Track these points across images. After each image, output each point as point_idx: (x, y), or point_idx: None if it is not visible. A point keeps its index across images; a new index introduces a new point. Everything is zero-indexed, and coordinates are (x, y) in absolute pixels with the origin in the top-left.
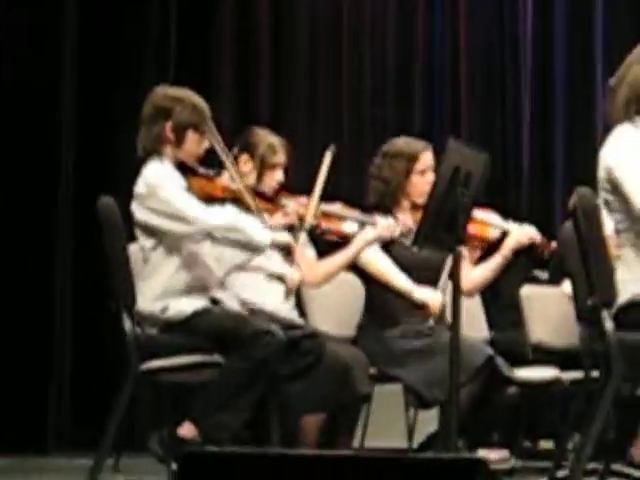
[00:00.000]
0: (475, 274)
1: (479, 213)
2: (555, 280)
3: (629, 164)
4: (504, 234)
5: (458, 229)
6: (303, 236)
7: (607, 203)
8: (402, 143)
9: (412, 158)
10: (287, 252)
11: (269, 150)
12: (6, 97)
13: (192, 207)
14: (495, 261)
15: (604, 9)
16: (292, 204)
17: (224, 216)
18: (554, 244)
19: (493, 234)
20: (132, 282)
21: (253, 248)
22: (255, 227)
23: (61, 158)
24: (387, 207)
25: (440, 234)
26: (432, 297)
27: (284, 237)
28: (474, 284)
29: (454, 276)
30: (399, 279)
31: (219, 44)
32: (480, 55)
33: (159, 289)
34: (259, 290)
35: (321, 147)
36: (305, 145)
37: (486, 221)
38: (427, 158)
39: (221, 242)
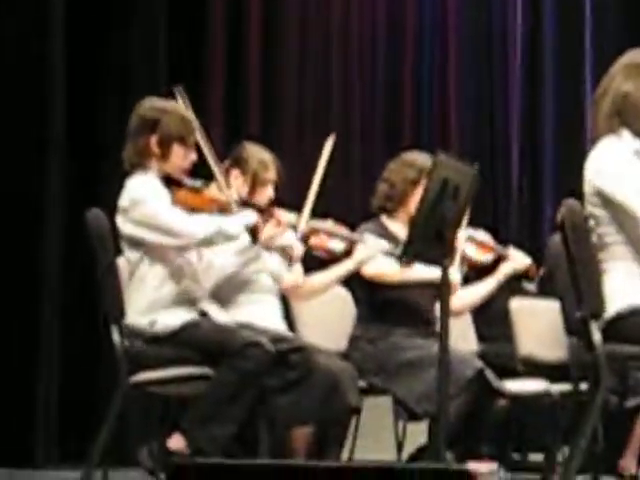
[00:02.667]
0: (466, 295)
1: (476, 234)
2: (544, 292)
3: (616, 177)
4: (500, 257)
5: (446, 242)
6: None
7: (593, 217)
8: (420, 155)
9: (424, 170)
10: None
11: (261, 166)
12: None
13: (177, 220)
14: (488, 285)
15: (593, 15)
16: (284, 215)
17: (205, 225)
18: (542, 270)
19: (489, 259)
20: (120, 295)
21: (232, 239)
22: (227, 221)
23: (50, 171)
24: (387, 211)
25: (428, 247)
26: (453, 277)
27: (252, 216)
28: (465, 304)
29: (442, 289)
30: (416, 273)
31: (210, 60)
32: (469, 69)
33: (146, 302)
34: (253, 307)
35: (309, 164)
36: (294, 162)
37: (484, 245)
38: None
39: (209, 246)
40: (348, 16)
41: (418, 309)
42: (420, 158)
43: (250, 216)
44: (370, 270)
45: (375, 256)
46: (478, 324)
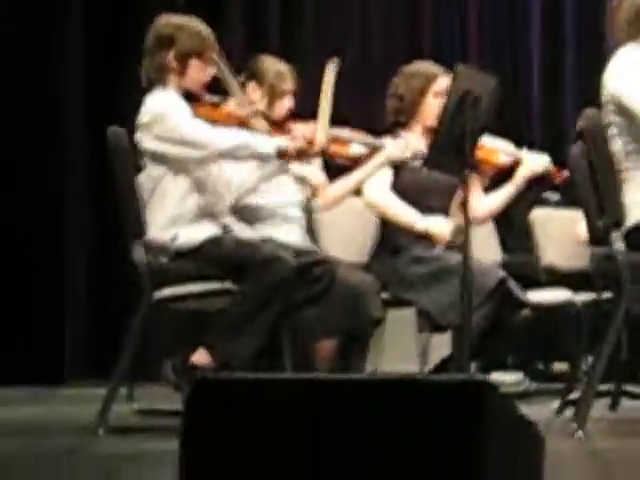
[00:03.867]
0: (487, 202)
1: (491, 140)
2: (566, 202)
3: (634, 85)
4: (517, 162)
5: (467, 153)
6: (314, 158)
7: (613, 125)
8: (423, 64)
9: (429, 78)
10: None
11: (277, 78)
12: (10, 30)
13: (200, 131)
14: (508, 190)
15: None
16: (301, 128)
17: (230, 136)
18: (566, 172)
19: (505, 161)
20: (142, 211)
21: (262, 159)
22: (259, 140)
23: (72, 90)
24: (401, 125)
25: (449, 158)
26: (435, 225)
27: (288, 143)
28: (486, 212)
29: (464, 200)
30: (400, 213)
31: None
32: None
33: (168, 217)
34: (275, 228)
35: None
36: (314, 71)
37: (498, 148)
38: (445, 82)
39: (231, 160)
40: None
41: (435, 213)
42: (422, 66)
43: (284, 140)
44: (368, 195)
45: (403, 155)
46: (501, 234)
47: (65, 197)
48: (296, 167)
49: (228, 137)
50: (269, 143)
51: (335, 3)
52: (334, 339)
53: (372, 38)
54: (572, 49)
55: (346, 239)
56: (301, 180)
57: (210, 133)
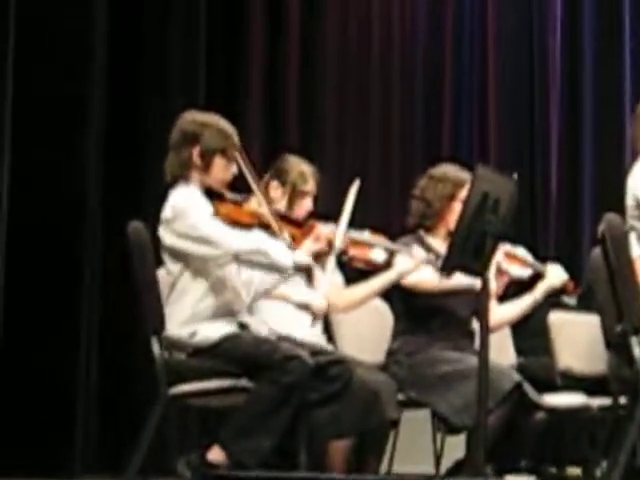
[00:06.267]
0: (503, 312)
1: (513, 248)
2: (583, 306)
3: None
4: (537, 275)
5: (485, 256)
6: (332, 261)
7: (635, 229)
8: (450, 169)
9: (458, 184)
10: (308, 276)
11: (300, 178)
12: (34, 113)
13: (218, 231)
14: (525, 302)
15: (632, 27)
16: (323, 229)
17: (249, 240)
18: (579, 289)
19: (527, 274)
20: (161, 307)
21: (278, 270)
22: (278, 250)
23: (89, 183)
24: (425, 228)
25: (467, 260)
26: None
27: (305, 259)
28: (501, 321)
29: (481, 301)
30: (454, 281)
31: (248, 71)
32: (508, 83)
33: (187, 314)
34: (286, 319)
35: (349, 175)
36: (334, 173)
37: (520, 257)
38: None
39: (246, 264)
40: (388, 38)
41: (457, 319)
42: (451, 171)
43: (304, 258)
44: (410, 279)
45: (417, 267)
46: (516, 337)
47: (83, 288)
48: (299, 294)
49: (246, 240)
50: (288, 255)
51: (354, 98)
52: (350, 439)
53: (392, 134)
54: (590, 154)
55: (362, 339)
56: (304, 307)
57: (228, 233)
